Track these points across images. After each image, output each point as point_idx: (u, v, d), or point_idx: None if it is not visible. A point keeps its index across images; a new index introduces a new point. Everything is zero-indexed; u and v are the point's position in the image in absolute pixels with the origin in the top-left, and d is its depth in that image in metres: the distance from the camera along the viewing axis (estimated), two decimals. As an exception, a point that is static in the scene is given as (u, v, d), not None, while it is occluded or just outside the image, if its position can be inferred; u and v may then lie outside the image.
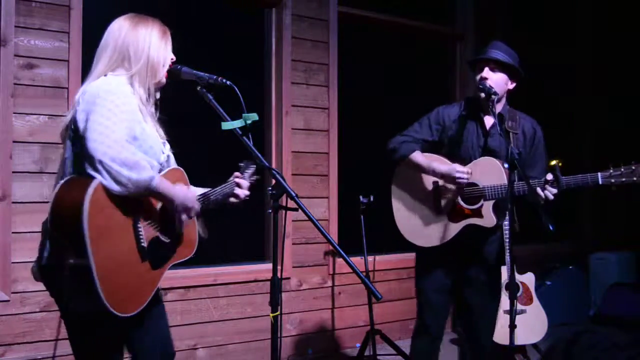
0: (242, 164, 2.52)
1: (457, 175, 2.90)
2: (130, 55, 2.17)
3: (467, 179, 2.91)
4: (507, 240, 3.39)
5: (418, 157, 3.06)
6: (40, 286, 3.63)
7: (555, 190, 2.72)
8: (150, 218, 2.11)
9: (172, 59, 2.31)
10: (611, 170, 2.71)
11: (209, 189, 2.39)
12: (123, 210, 1.98)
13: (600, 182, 2.71)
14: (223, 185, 2.41)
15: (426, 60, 5.52)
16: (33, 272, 2.09)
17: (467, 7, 5.49)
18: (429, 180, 3.06)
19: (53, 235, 1.96)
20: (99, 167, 1.90)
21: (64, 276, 1.92)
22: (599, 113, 6.29)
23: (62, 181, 1.97)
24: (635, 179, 2.69)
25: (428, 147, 3.12)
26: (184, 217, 2.15)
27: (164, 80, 2.28)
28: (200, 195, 2.31)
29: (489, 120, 3.02)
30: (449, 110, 3.10)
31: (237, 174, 2.47)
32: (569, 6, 6.24)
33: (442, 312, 3.09)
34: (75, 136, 2.04)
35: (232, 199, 2.45)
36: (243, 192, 2.44)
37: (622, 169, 2.70)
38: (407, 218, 3.15)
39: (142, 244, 2.05)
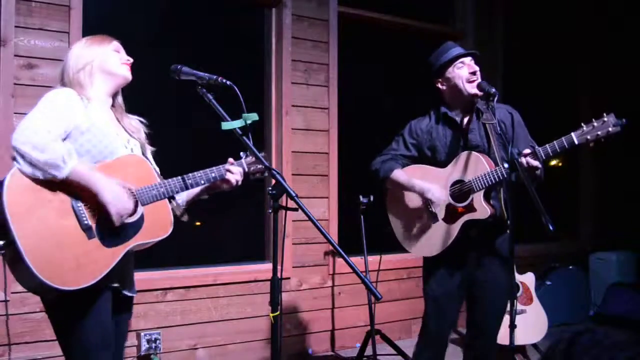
0: (242, 152, 2.48)
1: (431, 200, 2.97)
2: (68, 74, 2.31)
3: (438, 206, 2.96)
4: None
5: (398, 175, 3.08)
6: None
7: (536, 162, 2.67)
8: (89, 200, 2.11)
9: (127, 59, 2.37)
10: (584, 128, 2.65)
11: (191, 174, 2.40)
12: (55, 192, 2.06)
13: (576, 142, 2.65)
14: (209, 169, 2.40)
15: (426, 61, 5.51)
16: None
17: (467, 7, 5.49)
18: None
19: None
20: (14, 153, 2.02)
21: (3, 258, 2.05)
22: (599, 113, 6.28)
23: None
24: (609, 129, 2.63)
25: (409, 162, 3.14)
26: (113, 210, 2.10)
27: (116, 72, 2.34)
28: (170, 180, 2.32)
29: (463, 119, 3.02)
30: (420, 123, 3.13)
31: (231, 159, 2.45)
32: (569, 6, 6.23)
33: (449, 318, 3.05)
34: None
35: (225, 185, 2.44)
36: (235, 177, 2.41)
37: (595, 123, 2.64)
38: (407, 233, 3.14)
39: (86, 223, 2.10)
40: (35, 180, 2.03)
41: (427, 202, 3.02)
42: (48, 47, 3.61)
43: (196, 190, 2.45)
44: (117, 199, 2.11)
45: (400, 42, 5.33)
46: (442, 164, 3.01)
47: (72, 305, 2.13)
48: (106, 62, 2.32)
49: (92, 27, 3.77)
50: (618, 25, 6.17)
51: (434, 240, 3.01)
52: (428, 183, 2.99)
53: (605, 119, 2.65)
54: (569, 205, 6.37)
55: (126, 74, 2.36)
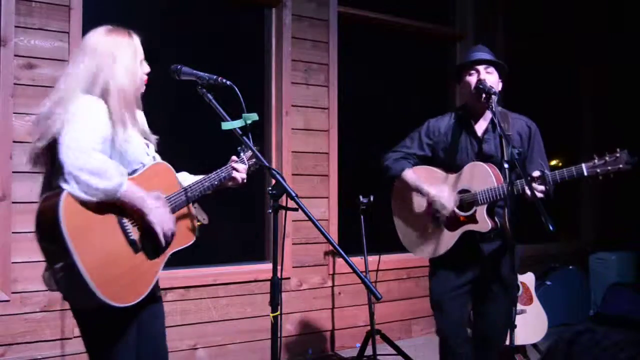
0: (240, 148, 2.58)
1: (437, 208, 2.96)
2: (97, 86, 2.17)
3: (445, 215, 2.95)
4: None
5: (408, 175, 3.07)
6: (40, 286, 3.63)
7: (542, 187, 2.68)
8: (133, 215, 2.13)
9: (146, 73, 2.32)
10: (595, 160, 2.65)
11: (204, 175, 2.46)
12: (102, 210, 2.05)
13: (585, 174, 2.66)
14: (218, 170, 2.48)
15: (426, 60, 5.52)
16: (44, 277, 2.14)
17: (467, 7, 5.49)
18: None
19: (42, 246, 2.05)
20: (68, 177, 1.97)
21: (59, 279, 2.02)
22: (600, 113, 6.29)
23: (42, 197, 2.07)
24: (620, 166, 2.62)
25: (421, 161, 3.13)
26: (158, 229, 2.14)
27: (141, 89, 2.31)
28: (192, 184, 2.37)
29: (480, 126, 3.01)
30: (439, 123, 3.09)
31: (234, 157, 2.54)
32: (568, 6, 6.23)
33: (459, 322, 3.04)
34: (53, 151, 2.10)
35: (231, 183, 2.53)
36: (240, 176, 2.51)
37: (607, 158, 2.64)
38: (408, 232, 3.16)
39: (132, 237, 2.11)
40: (85, 202, 2.01)
41: (432, 207, 3.01)
42: (48, 47, 3.61)
43: None
44: (163, 221, 2.15)
45: (400, 42, 5.33)
46: (453, 168, 3.00)
47: (112, 321, 2.14)
48: (134, 85, 2.24)
49: (92, 27, 3.77)
50: (618, 24, 6.17)
51: (432, 244, 3.03)
52: (438, 188, 2.98)
53: (618, 154, 2.64)
54: (569, 205, 6.37)
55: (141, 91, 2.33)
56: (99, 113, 2.12)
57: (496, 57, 3.02)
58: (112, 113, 2.14)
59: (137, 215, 2.12)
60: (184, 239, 2.32)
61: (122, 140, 2.15)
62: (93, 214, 2.03)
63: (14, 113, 3.51)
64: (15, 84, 3.52)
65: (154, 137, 2.39)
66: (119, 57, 2.20)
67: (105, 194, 2.01)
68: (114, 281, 2.04)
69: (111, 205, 2.06)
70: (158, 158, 2.36)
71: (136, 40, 2.30)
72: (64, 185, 1.97)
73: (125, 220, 2.11)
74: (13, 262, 3.48)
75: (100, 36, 2.24)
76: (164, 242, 2.16)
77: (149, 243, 2.16)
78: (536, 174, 2.70)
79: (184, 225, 2.32)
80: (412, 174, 3.07)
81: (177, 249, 2.28)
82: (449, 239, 2.97)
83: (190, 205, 2.38)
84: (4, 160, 3.48)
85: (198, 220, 2.42)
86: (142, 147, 2.27)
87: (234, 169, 2.49)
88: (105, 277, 2.01)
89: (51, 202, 1.98)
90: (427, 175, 3.06)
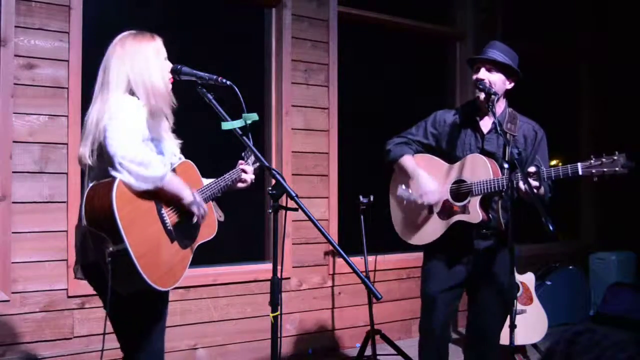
0: (244, 152, 2.72)
1: (423, 200, 3.02)
2: (132, 86, 2.31)
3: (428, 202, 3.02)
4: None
5: (407, 161, 3.10)
6: (40, 286, 3.64)
7: (536, 183, 2.67)
8: (171, 205, 2.31)
9: (170, 69, 2.42)
10: (592, 161, 2.64)
11: (218, 178, 2.62)
12: (146, 200, 2.22)
13: (580, 173, 2.65)
14: (230, 172, 2.63)
15: (426, 61, 5.52)
16: (74, 271, 2.36)
17: (467, 7, 5.49)
18: None
19: (90, 231, 2.17)
20: (119, 167, 2.13)
21: (107, 263, 2.14)
22: (599, 114, 6.29)
23: (90, 185, 2.24)
24: (617, 169, 2.60)
25: (424, 149, 3.16)
26: (194, 209, 2.33)
27: (170, 87, 2.41)
28: (210, 183, 2.55)
29: (485, 123, 3.01)
30: (445, 115, 3.11)
31: (241, 161, 2.68)
32: (569, 6, 6.23)
33: (444, 316, 3.04)
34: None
35: (240, 184, 2.68)
36: (249, 177, 2.68)
37: (604, 159, 2.63)
38: (401, 217, 3.20)
39: (169, 227, 2.29)
40: (133, 191, 2.17)
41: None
42: (48, 47, 3.61)
43: None
44: (200, 205, 2.35)
45: (400, 42, 5.33)
46: (454, 161, 3.02)
47: (149, 305, 2.34)
48: (163, 80, 2.37)
49: (92, 27, 3.77)
50: (618, 24, 6.17)
51: (424, 231, 3.06)
52: (430, 182, 3.01)
53: (616, 157, 2.62)
54: (570, 205, 6.37)
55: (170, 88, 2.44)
56: (138, 110, 2.27)
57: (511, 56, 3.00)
58: (150, 109, 2.29)
59: (176, 203, 2.29)
60: (208, 233, 2.50)
61: (160, 135, 2.35)
62: (140, 202, 2.19)
63: (14, 113, 3.51)
64: (15, 84, 3.51)
65: (177, 141, 2.52)
66: (145, 56, 2.33)
67: (153, 183, 2.18)
68: (157, 267, 2.21)
69: (152, 195, 2.23)
70: (182, 157, 2.51)
71: (158, 40, 2.43)
72: (116, 174, 2.13)
73: (163, 211, 2.27)
74: (13, 262, 3.48)
75: (126, 40, 2.37)
76: (200, 221, 2.37)
77: (182, 233, 2.33)
78: (532, 169, 2.71)
79: (207, 220, 2.47)
80: (411, 160, 3.10)
81: (202, 242, 2.47)
82: (439, 227, 3.00)
83: (210, 202, 2.55)
84: (4, 160, 3.48)
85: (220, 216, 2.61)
86: (172, 147, 2.45)
87: (243, 171, 2.65)
88: (150, 262, 2.18)
89: (104, 189, 2.15)
90: (428, 163, 3.09)
